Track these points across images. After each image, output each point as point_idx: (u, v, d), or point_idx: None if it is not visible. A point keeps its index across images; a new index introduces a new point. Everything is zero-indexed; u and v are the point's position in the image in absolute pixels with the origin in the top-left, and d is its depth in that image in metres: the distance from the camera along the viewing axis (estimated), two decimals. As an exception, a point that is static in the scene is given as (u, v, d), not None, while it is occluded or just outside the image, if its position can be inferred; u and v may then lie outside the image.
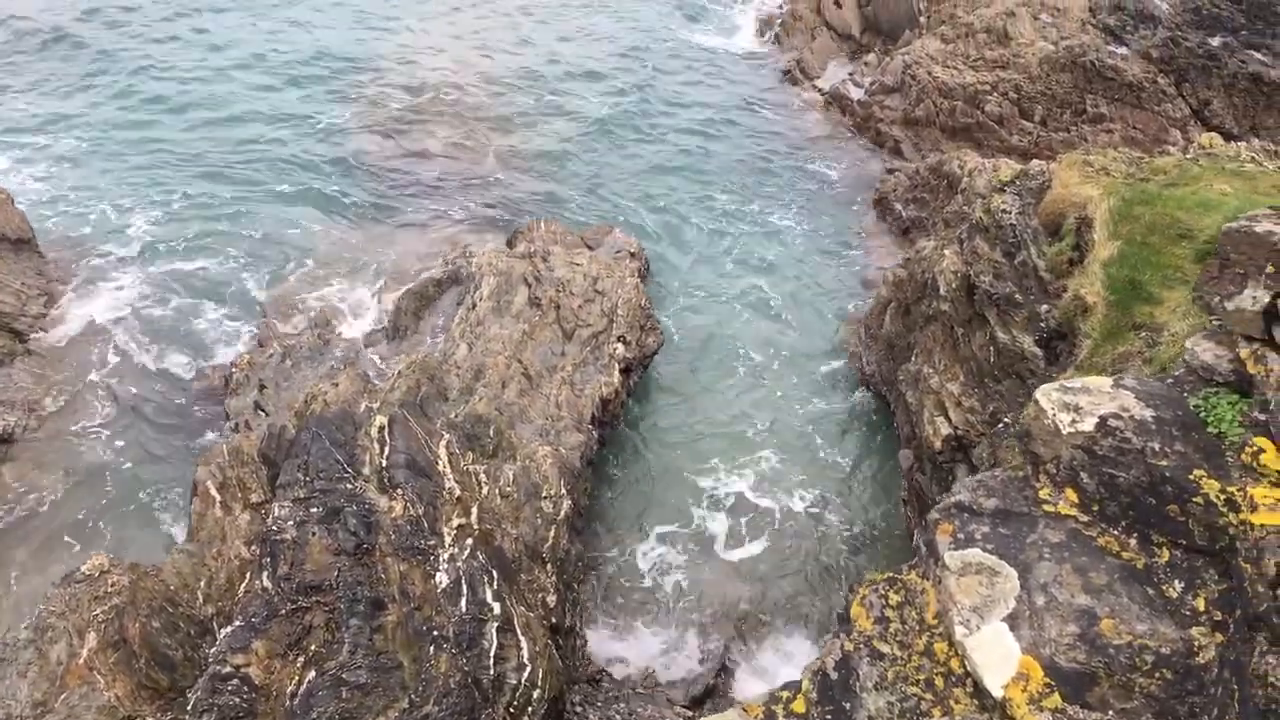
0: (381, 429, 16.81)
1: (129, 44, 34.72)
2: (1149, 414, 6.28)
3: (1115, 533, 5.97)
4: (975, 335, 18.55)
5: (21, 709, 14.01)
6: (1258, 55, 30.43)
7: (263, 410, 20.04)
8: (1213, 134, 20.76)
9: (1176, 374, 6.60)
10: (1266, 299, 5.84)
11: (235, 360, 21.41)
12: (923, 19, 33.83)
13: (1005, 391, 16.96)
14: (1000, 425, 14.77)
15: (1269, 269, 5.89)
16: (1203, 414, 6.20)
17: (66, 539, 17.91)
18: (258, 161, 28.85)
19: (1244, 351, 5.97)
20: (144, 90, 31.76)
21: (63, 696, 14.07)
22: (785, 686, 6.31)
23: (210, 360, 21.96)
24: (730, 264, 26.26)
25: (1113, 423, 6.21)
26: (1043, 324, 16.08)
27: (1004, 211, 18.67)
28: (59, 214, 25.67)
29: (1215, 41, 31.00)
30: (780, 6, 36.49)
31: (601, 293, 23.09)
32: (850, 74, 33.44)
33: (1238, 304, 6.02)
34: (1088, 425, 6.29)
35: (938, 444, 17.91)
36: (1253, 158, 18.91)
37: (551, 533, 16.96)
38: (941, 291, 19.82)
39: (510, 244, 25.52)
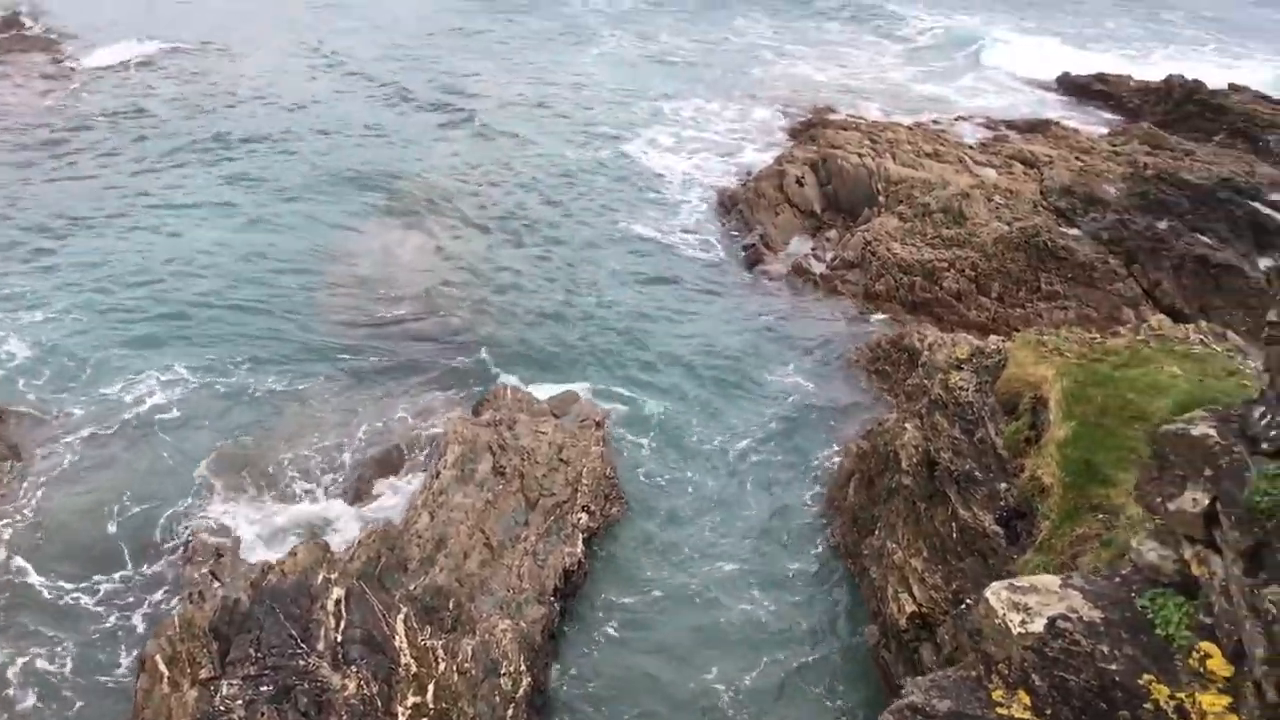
0: (338, 602, 16.55)
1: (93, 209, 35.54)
2: (1097, 615, 6.35)
3: (1068, 737, 5.95)
4: (937, 511, 18.65)
5: None
6: (1203, 238, 31.72)
7: (218, 579, 19.66)
8: (1162, 316, 21.43)
9: (1123, 572, 6.70)
10: (1206, 501, 5.99)
11: (193, 527, 21.12)
12: (881, 198, 35.12)
13: (968, 569, 16.95)
14: (964, 606, 14.66)
15: (1207, 471, 6.07)
16: (1150, 615, 6.27)
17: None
18: (218, 322, 29.22)
19: (1187, 553, 6.09)
20: (108, 262, 32.34)
21: None
22: None
23: (170, 526, 21.65)
24: (699, 429, 26.40)
25: (1061, 624, 6.27)
26: (1002, 503, 16.24)
27: (961, 389, 19.06)
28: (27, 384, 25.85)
29: (1162, 225, 32.32)
30: (743, 184, 37.78)
31: (566, 462, 23.14)
32: (813, 249, 34.46)
33: (1179, 505, 6.17)
34: (1037, 626, 6.34)
35: (902, 621, 17.78)
36: (1201, 340, 19.47)
37: (510, 712, 16.53)
38: (903, 466, 20.01)
39: (476, 411, 25.63)
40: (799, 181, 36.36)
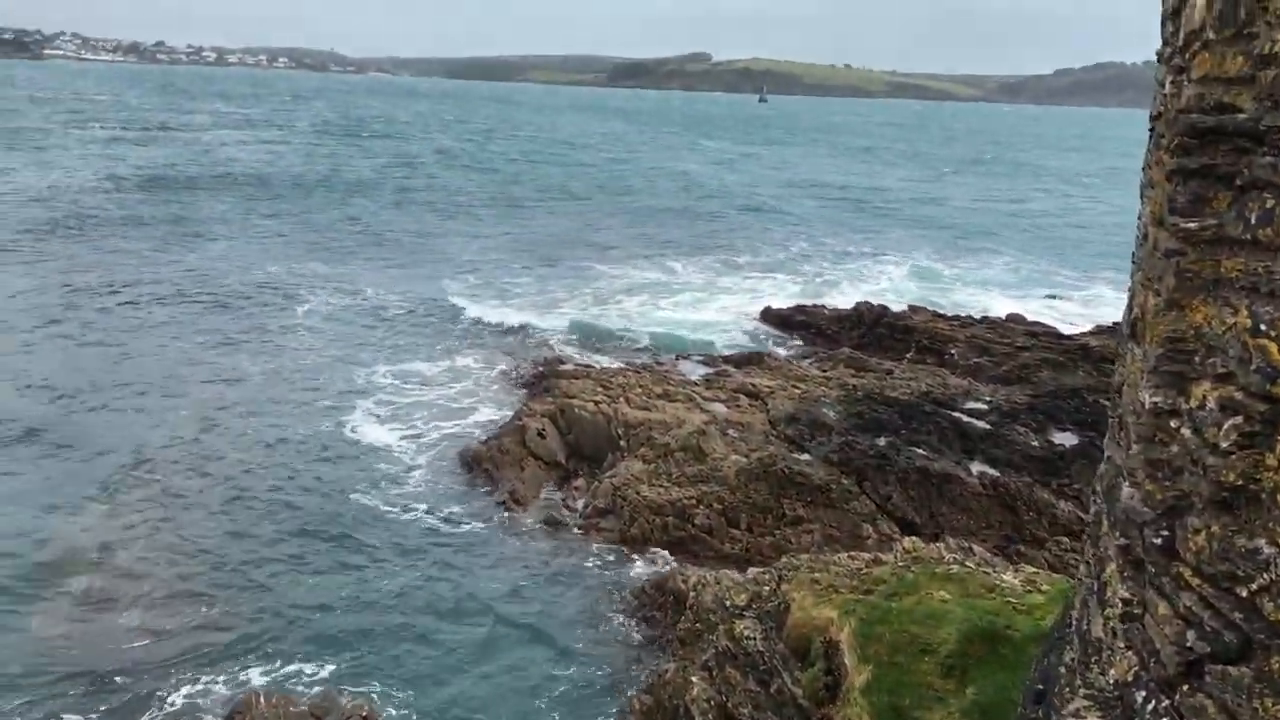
0: None
1: None
2: None
3: None
4: (744, 769, 18.14)
5: None
6: (920, 450, 34.13)
7: None
8: (914, 538, 22.53)
9: None
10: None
11: None
12: (622, 443, 35.76)
13: (792, 833, 16.43)
14: None
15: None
16: None
17: None
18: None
19: None
20: None
21: None
22: None
23: None
24: (479, 713, 24.85)
25: None
26: (814, 756, 16.01)
27: (749, 638, 19.00)
28: None
29: (882, 442, 34.62)
30: (484, 443, 37.48)
31: (337, 771, 21.06)
32: (563, 499, 34.33)
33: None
34: None
35: None
36: (955, 559, 20.55)
37: None
38: (698, 722, 19.47)
39: (227, 728, 23.08)
40: (540, 434, 36.52)
